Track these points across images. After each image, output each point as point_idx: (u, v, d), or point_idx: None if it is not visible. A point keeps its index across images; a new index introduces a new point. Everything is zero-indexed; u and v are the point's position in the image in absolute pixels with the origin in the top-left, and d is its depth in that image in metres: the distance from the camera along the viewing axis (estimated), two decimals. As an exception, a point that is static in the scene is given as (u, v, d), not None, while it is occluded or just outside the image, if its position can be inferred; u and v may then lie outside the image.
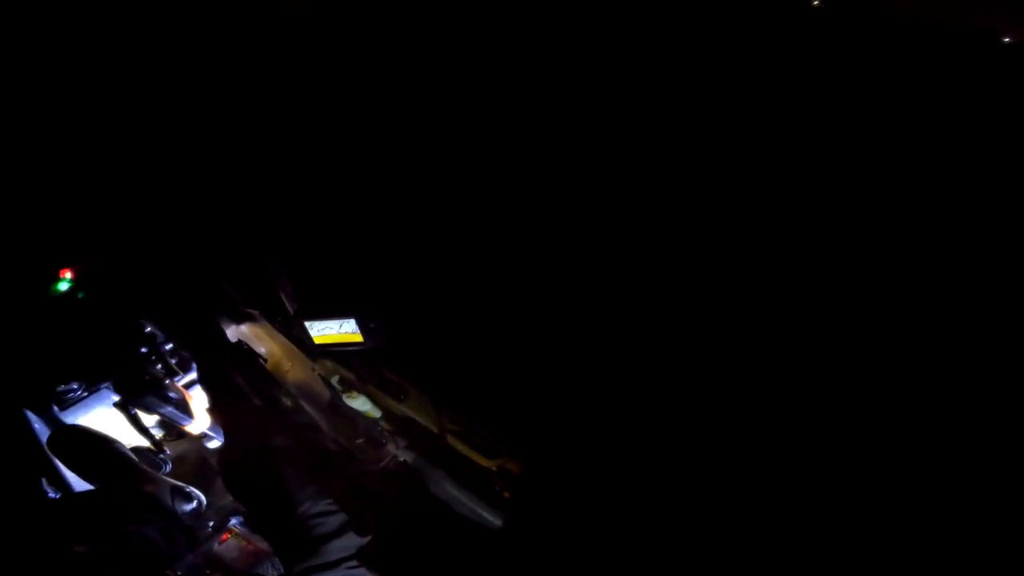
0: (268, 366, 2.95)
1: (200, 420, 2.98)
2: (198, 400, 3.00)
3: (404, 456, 2.63)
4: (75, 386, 3.08)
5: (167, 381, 2.96)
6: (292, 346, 2.99)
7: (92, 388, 3.09)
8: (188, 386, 3.06)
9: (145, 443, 2.99)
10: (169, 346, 3.10)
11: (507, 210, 3.25)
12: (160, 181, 3.19)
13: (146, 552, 2.60)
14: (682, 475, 2.00)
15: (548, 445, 2.16)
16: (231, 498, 2.94)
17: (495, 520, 2.25)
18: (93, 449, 2.85)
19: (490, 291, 2.82)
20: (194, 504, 2.88)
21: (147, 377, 2.92)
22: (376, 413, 2.78)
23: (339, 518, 2.19)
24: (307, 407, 2.82)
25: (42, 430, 3.05)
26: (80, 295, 3.14)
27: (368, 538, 2.12)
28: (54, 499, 2.92)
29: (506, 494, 2.24)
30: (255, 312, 3.03)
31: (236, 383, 2.83)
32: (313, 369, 2.89)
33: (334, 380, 2.86)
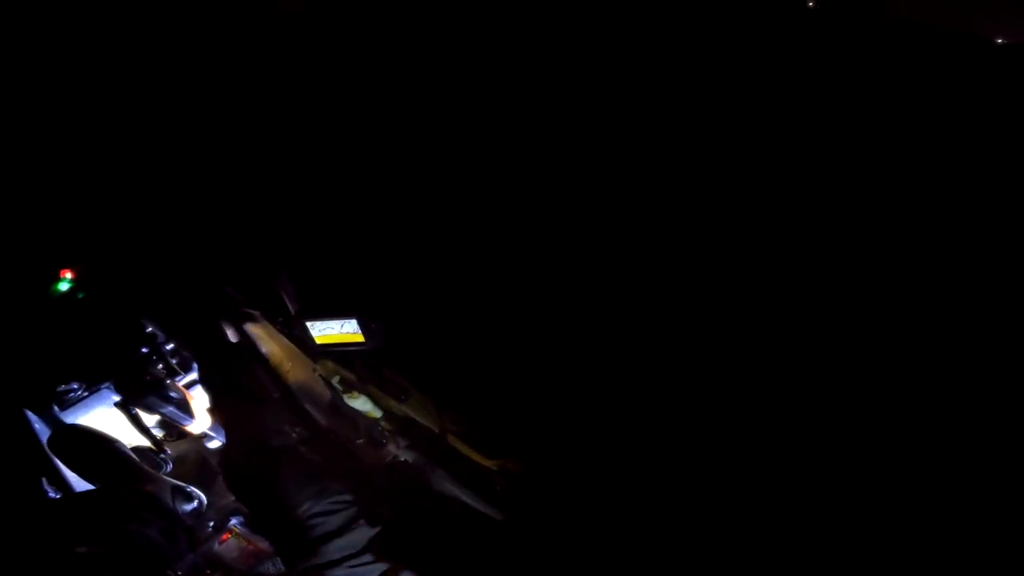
0: (269, 367, 2.97)
1: (201, 420, 2.99)
2: (199, 400, 3.02)
3: (405, 456, 2.65)
4: (75, 386, 3.09)
5: (168, 381, 2.97)
6: (293, 347, 3.00)
7: (92, 388, 3.10)
8: (189, 386, 3.08)
9: (146, 443, 3.00)
10: (170, 346, 3.11)
11: (507, 210, 3.27)
12: (161, 182, 3.20)
13: (147, 552, 2.61)
14: (683, 474, 2.02)
15: (549, 444, 2.18)
16: (231, 498, 2.95)
17: (497, 518, 2.27)
18: (94, 449, 2.86)
19: (490, 291, 2.84)
20: (195, 504, 2.89)
21: (148, 377, 2.93)
22: (377, 413, 2.79)
23: (340, 517, 2.20)
24: (308, 407, 2.84)
25: (42, 430, 3.05)
26: (80, 295, 3.15)
27: (372, 534, 2.13)
28: (55, 499, 2.92)
29: (507, 493, 2.26)
30: (256, 313, 3.05)
31: (237, 383, 2.85)
32: (314, 369, 2.90)
33: (335, 380, 2.87)
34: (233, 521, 2.94)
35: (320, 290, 2.75)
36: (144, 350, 3.05)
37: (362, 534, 2.15)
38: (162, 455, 3.02)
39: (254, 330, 3.06)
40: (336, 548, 2.12)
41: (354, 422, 2.78)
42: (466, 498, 2.33)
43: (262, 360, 2.95)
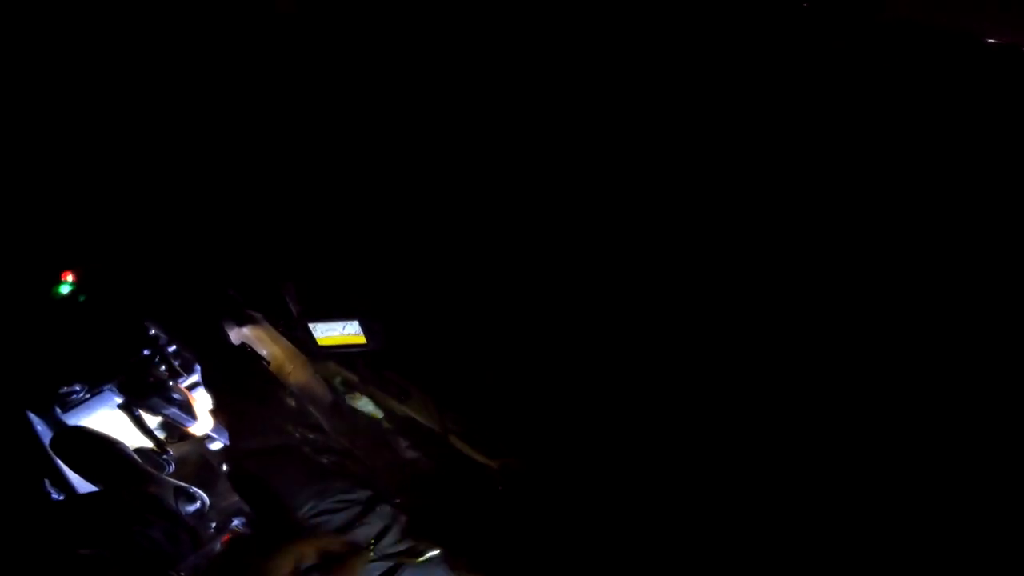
0: (270, 368, 2.98)
1: (203, 421, 3.01)
2: (201, 402, 3.04)
3: (406, 456, 2.67)
4: (77, 388, 3.10)
5: (171, 383, 2.99)
6: (294, 348, 3.02)
7: (95, 390, 3.11)
8: (191, 388, 3.09)
9: (148, 444, 3.02)
10: (173, 348, 3.12)
11: (508, 211, 3.29)
12: (161, 184, 3.21)
13: (150, 553, 2.63)
14: (683, 473, 2.04)
15: (550, 444, 2.20)
16: (233, 499, 2.97)
17: (499, 517, 2.29)
18: (97, 450, 2.87)
19: (491, 292, 2.86)
20: (197, 504, 2.91)
21: (152, 379, 2.95)
22: (379, 414, 2.82)
23: (343, 516, 2.23)
24: (310, 408, 2.86)
25: (44, 432, 3.07)
26: (82, 298, 3.16)
27: (375, 532, 2.15)
28: (58, 500, 2.94)
29: (509, 493, 2.28)
30: (257, 315, 3.06)
31: (239, 385, 2.87)
32: (316, 371, 2.93)
33: (336, 382, 2.90)
34: (235, 522, 2.96)
35: (322, 291, 2.77)
36: (146, 352, 3.07)
37: (365, 533, 2.18)
38: (165, 456, 3.04)
39: (255, 332, 3.08)
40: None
41: (355, 423, 2.81)
42: (468, 498, 2.35)
43: (264, 362, 2.97)
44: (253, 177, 3.21)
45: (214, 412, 2.99)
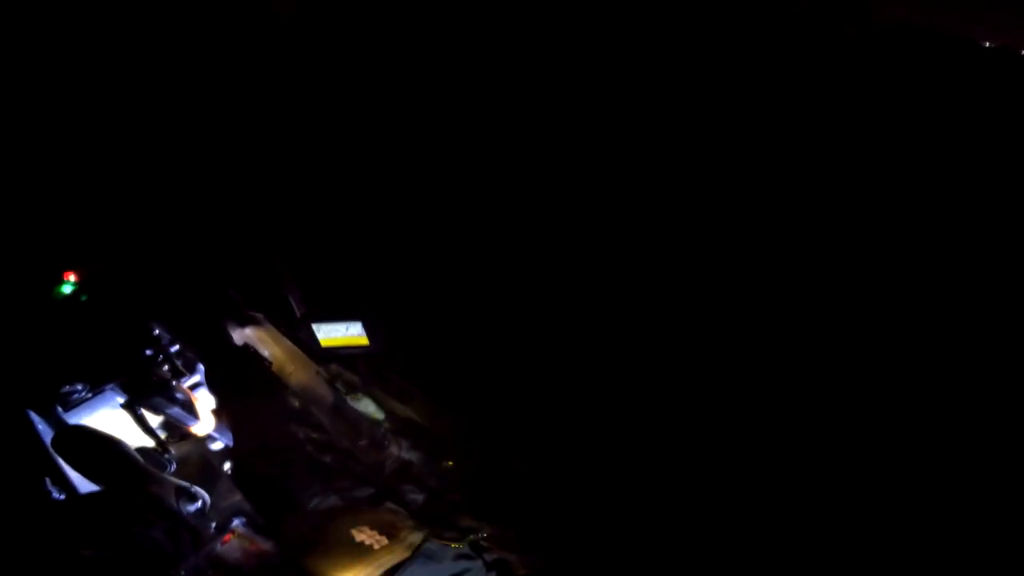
0: (272, 369, 3.00)
1: (205, 421, 3.02)
2: (203, 402, 3.04)
3: (408, 457, 2.69)
4: (79, 387, 3.10)
5: (173, 382, 3.00)
6: (296, 349, 3.03)
7: (96, 389, 3.11)
8: (193, 388, 3.10)
9: (149, 444, 3.02)
10: (175, 348, 3.13)
11: (509, 214, 3.31)
12: (164, 185, 3.22)
13: (151, 553, 2.64)
14: (682, 473, 2.07)
15: (551, 443, 2.23)
16: (234, 499, 2.98)
17: (498, 515, 2.32)
18: (98, 450, 2.87)
19: (493, 293, 2.88)
20: (198, 504, 2.92)
21: (155, 378, 2.96)
22: (380, 415, 2.83)
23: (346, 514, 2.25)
24: (311, 409, 2.87)
25: (46, 431, 3.06)
26: (84, 297, 3.17)
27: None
28: (59, 501, 2.94)
29: (510, 490, 2.31)
30: (259, 316, 3.07)
31: (242, 385, 2.88)
32: (317, 372, 2.94)
33: (338, 383, 2.91)
34: (236, 522, 2.96)
35: (326, 293, 2.79)
36: (148, 352, 3.07)
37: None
38: (166, 455, 3.04)
39: (258, 333, 3.09)
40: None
41: (357, 424, 2.82)
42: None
43: (265, 362, 2.98)
44: (256, 179, 3.22)
45: (216, 412, 3.01)
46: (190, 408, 2.95)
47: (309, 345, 2.67)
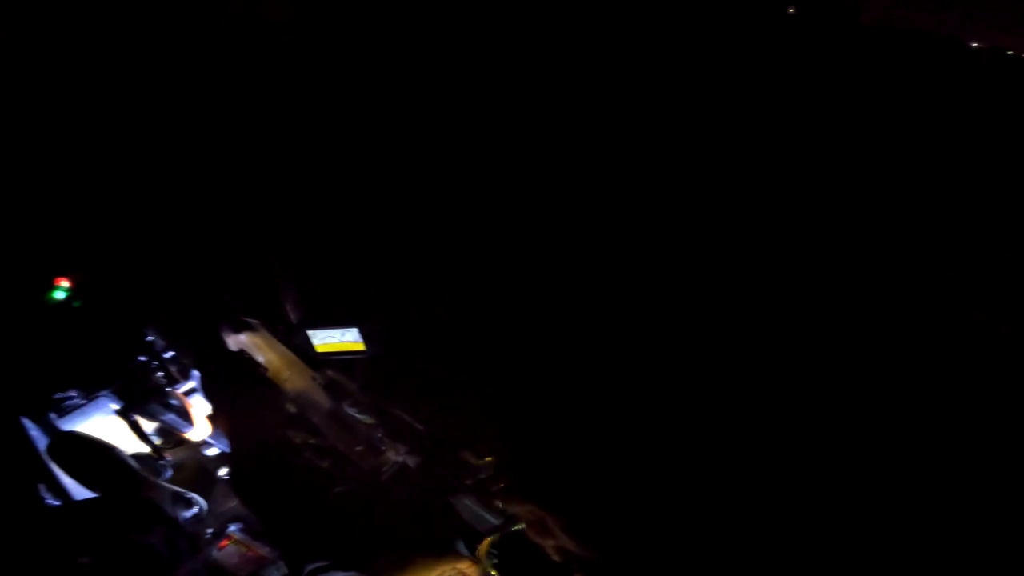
0: (268, 375, 3.00)
1: (200, 427, 3.02)
2: (198, 407, 3.05)
3: (405, 461, 2.70)
4: (73, 394, 3.10)
5: (168, 389, 3.01)
6: (292, 355, 3.04)
7: (90, 396, 3.11)
8: (188, 394, 3.11)
9: (145, 450, 3.02)
10: (170, 354, 3.13)
11: (505, 217, 3.33)
12: (158, 190, 3.22)
13: (147, 560, 2.64)
14: (681, 474, 2.09)
15: (547, 448, 2.25)
16: (230, 504, 2.98)
17: (495, 521, 2.33)
18: (93, 456, 2.87)
19: (490, 298, 2.89)
20: (195, 510, 2.92)
21: (149, 385, 2.96)
22: (375, 420, 2.84)
23: (348, 519, 2.26)
24: (308, 414, 2.88)
25: (40, 438, 3.06)
26: (76, 304, 3.16)
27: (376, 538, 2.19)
28: (55, 507, 2.93)
29: (504, 494, 2.32)
30: (255, 321, 3.08)
31: (237, 391, 2.89)
32: (313, 377, 2.94)
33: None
34: (232, 527, 2.97)
35: (321, 299, 2.79)
36: (142, 358, 3.07)
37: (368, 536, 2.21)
38: (162, 461, 3.04)
39: (253, 338, 3.09)
40: (345, 549, 2.18)
41: (353, 429, 2.83)
42: (467, 500, 2.39)
43: (261, 368, 2.98)
44: (251, 185, 3.23)
45: (212, 418, 3.01)
46: (185, 414, 2.96)
47: (304, 351, 2.68)
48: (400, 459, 2.71)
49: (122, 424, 3.01)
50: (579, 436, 2.10)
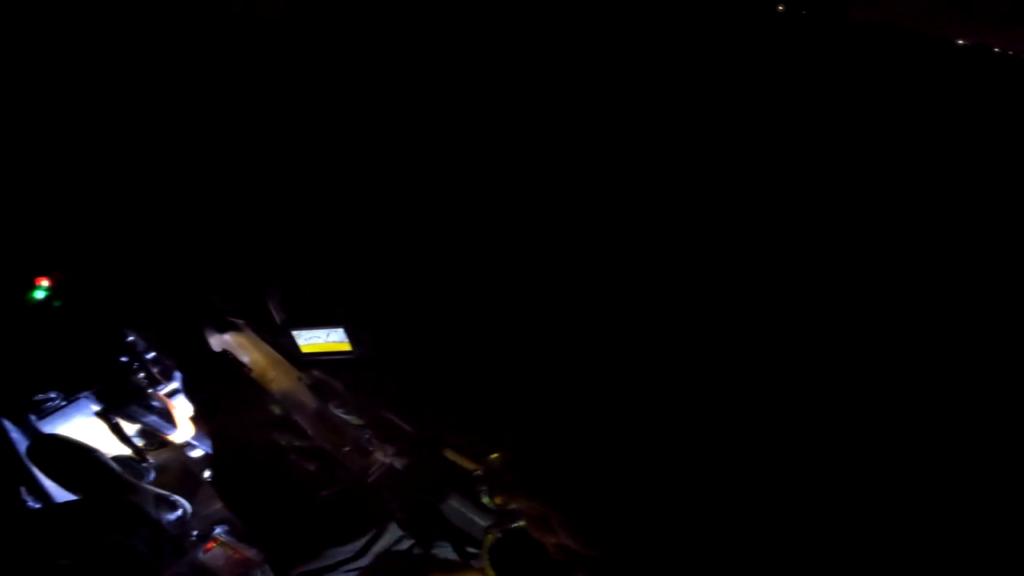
0: (253, 375, 2.96)
1: (184, 429, 2.98)
2: (181, 409, 3.00)
3: (393, 463, 2.68)
4: (53, 395, 3.05)
5: (150, 390, 2.96)
6: (277, 355, 3.00)
7: (70, 397, 3.06)
8: (171, 395, 3.06)
9: (127, 452, 2.98)
10: (152, 355, 3.08)
11: (492, 215, 3.30)
12: (142, 188, 3.16)
13: (131, 562, 2.60)
14: (684, 472, 2.07)
15: (541, 450, 2.22)
16: (215, 506, 2.94)
17: (483, 522, 2.31)
18: (74, 458, 2.83)
19: (476, 297, 2.87)
20: (179, 512, 2.89)
21: (130, 386, 2.91)
22: (362, 420, 2.81)
23: (334, 522, 2.23)
24: (294, 416, 2.85)
25: (20, 439, 3.01)
26: (57, 303, 3.10)
27: (367, 539, 2.16)
28: (35, 510, 2.89)
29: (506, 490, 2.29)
30: (239, 321, 3.04)
31: (221, 392, 2.85)
32: (299, 378, 2.91)
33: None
34: (218, 530, 2.93)
35: (306, 299, 2.76)
36: (123, 359, 3.02)
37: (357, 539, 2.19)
38: (144, 464, 3.00)
39: (237, 339, 3.05)
40: (331, 553, 2.16)
41: (341, 430, 2.80)
42: (456, 503, 2.37)
43: (246, 369, 2.94)
44: (236, 182, 3.18)
45: (195, 419, 2.96)
46: (168, 416, 2.91)
47: (290, 352, 2.64)
48: (388, 460, 2.69)
49: (104, 426, 2.96)
50: (580, 434, 2.07)
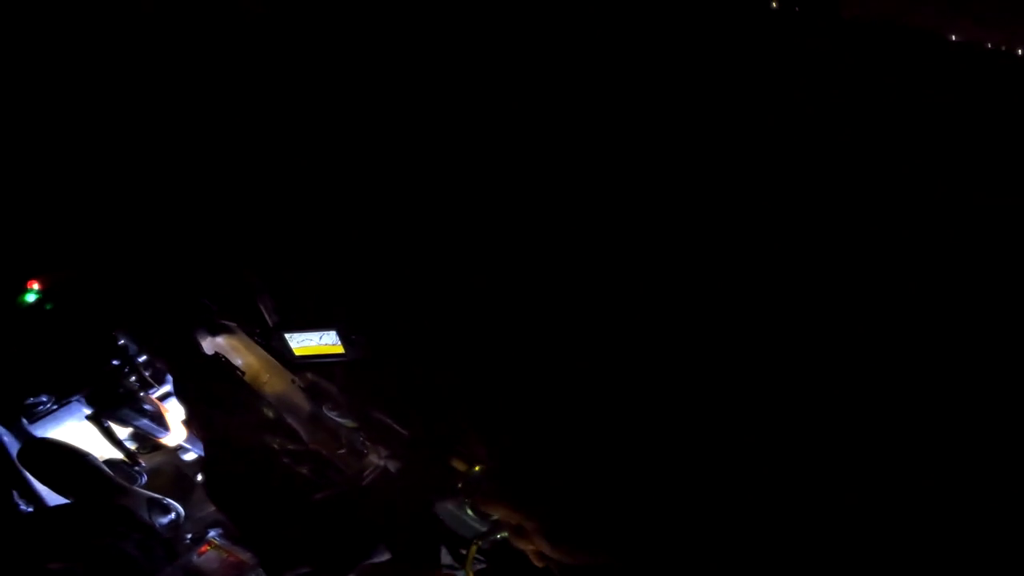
0: (246, 378, 2.95)
1: (176, 432, 2.97)
2: (174, 412, 2.99)
3: (387, 465, 2.67)
4: (44, 399, 3.03)
5: (142, 393, 2.94)
6: (270, 358, 2.99)
7: (62, 401, 3.05)
8: (163, 398, 3.04)
9: (118, 455, 2.97)
10: (143, 358, 3.07)
11: (486, 216, 3.28)
12: (132, 189, 3.14)
13: (123, 566, 2.60)
14: (663, 479, 2.07)
15: (535, 452, 2.22)
16: (209, 510, 2.93)
17: (479, 527, 2.30)
18: (66, 462, 2.82)
19: (472, 298, 2.86)
20: (171, 516, 2.88)
21: (121, 390, 2.90)
22: (356, 424, 2.80)
23: (327, 526, 2.23)
24: (288, 418, 2.84)
25: (11, 443, 3.00)
26: (48, 306, 3.08)
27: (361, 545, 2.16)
28: (27, 513, 2.88)
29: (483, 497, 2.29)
30: (232, 324, 3.02)
31: (214, 395, 2.83)
32: (293, 381, 2.90)
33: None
34: (211, 533, 2.93)
35: (299, 301, 2.74)
36: (115, 362, 3.01)
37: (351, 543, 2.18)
38: (136, 467, 2.99)
39: (230, 341, 3.04)
40: (325, 557, 2.15)
41: (335, 432, 2.79)
42: (450, 505, 2.36)
43: (238, 371, 2.93)
44: (227, 182, 3.16)
45: (187, 422, 2.95)
46: (159, 419, 2.90)
47: (283, 355, 2.63)
48: (381, 463, 2.68)
49: (95, 430, 2.95)
50: (562, 440, 2.07)
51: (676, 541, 1.60)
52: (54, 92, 3.38)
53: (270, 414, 2.81)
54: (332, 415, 2.82)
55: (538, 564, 1.66)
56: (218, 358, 2.93)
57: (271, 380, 2.96)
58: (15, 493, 2.93)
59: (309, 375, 2.84)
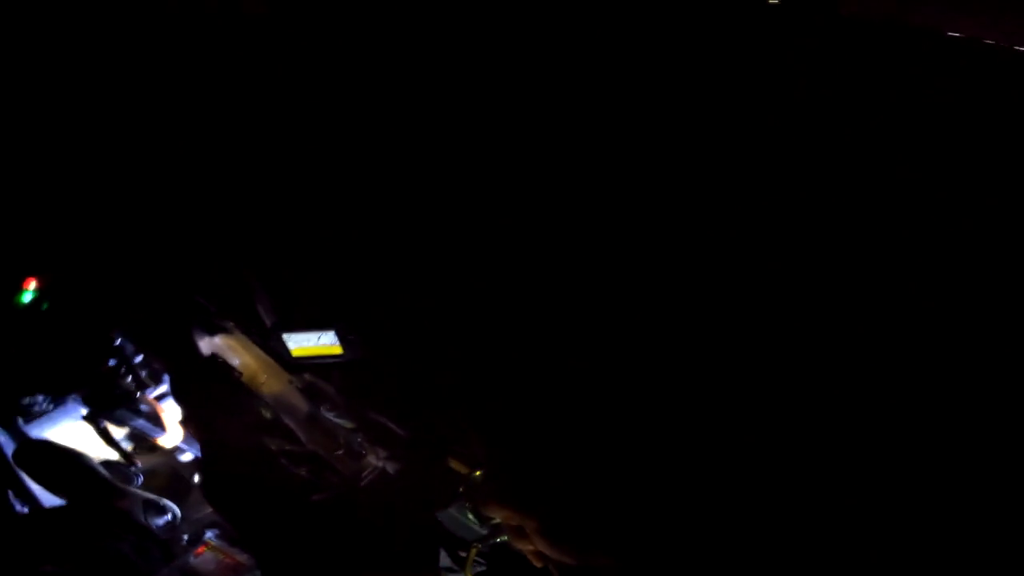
0: (243, 379, 2.93)
1: (173, 433, 2.95)
2: (170, 413, 2.97)
3: (385, 466, 2.65)
4: (40, 399, 3.03)
5: (138, 394, 2.93)
6: (268, 358, 2.97)
7: (58, 401, 3.04)
8: (160, 398, 3.03)
9: (115, 456, 2.96)
10: (140, 358, 3.05)
11: (484, 216, 3.27)
12: (129, 188, 3.12)
13: (119, 568, 2.59)
14: (675, 479, 2.06)
15: (535, 452, 2.20)
16: (206, 511, 2.93)
17: (480, 530, 2.29)
18: (62, 463, 2.82)
19: (471, 299, 2.84)
20: (168, 517, 2.87)
21: (118, 390, 2.89)
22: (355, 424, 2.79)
23: (325, 527, 2.22)
24: (285, 419, 2.82)
25: (7, 444, 2.99)
26: (45, 306, 3.07)
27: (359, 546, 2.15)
28: (23, 514, 2.87)
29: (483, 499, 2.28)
30: (229, 324, 3.00)
31: (210, 395, 2.82)
32: (290, 381, 2.88)
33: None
34: (208, 534, 2.92)
35: (296, 301, 2.72)
36: (112, 362, 3.00)
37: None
38: (132, 468, 2.98)
39: (227, 341, 3.02)
40: (322, 558, 2.14)
41: (333, 433, 2.77)
42: (452, 509, 2.35)
43: (235, 372, 2.91)
44: (223, 181, 3.14)
45: (184, 423, 2.94)
46: (156, 420, 2.89)
47: (280, 355, 2.61)
48: (380, 464, 2.66)
49: (91, 430, 2.94)
50: (562, 440, 2.05)
51: (676, 541, 1.59)
52: (51, 91, 3.36)
53: (267, 415, 2.79)
54: (330, 416, 2.79)
55: (537, 564, 1.65)
56: (215, 358, 2.92)
57: (269, 380, 2.94)
58: (11, 494, 2.92)
59: (307, 376, 2.82)
